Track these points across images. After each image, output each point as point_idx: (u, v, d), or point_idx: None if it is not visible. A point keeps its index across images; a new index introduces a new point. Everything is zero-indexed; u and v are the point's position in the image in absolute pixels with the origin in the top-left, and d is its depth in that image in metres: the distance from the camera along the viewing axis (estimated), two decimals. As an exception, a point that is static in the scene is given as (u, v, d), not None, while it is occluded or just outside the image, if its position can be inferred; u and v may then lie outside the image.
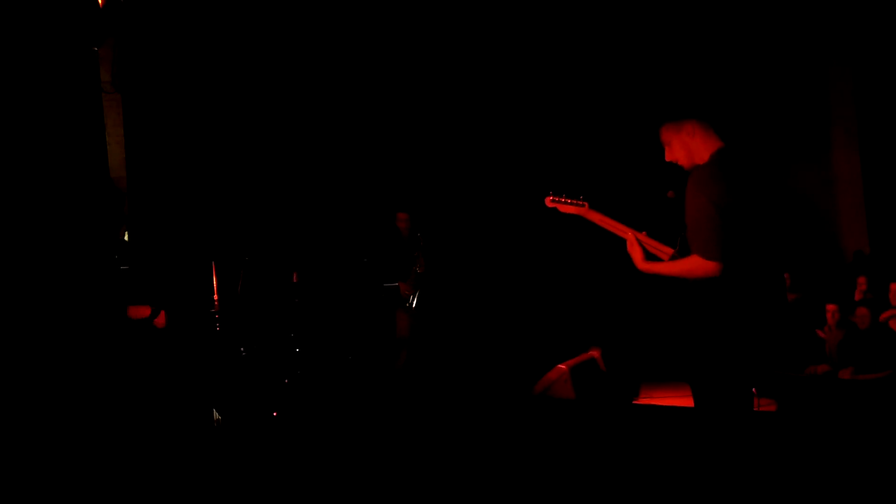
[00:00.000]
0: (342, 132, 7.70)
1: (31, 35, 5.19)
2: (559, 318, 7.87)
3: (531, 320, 7.83)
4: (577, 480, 4.04)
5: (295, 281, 6.09)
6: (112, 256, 4.29)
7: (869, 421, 5.36)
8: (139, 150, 6.41)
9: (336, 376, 6.55)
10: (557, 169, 7.99)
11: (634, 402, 6.70)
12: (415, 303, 6.69)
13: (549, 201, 3.67)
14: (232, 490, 4.03)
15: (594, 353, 6.78)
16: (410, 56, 7.76)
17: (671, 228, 3.27)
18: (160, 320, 4.35)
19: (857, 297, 7.18)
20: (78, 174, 5.30)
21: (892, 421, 5.33)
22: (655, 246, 3.41)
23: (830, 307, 6.70)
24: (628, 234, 3.35)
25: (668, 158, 3.29)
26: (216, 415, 5.28)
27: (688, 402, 3.49)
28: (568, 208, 3.60)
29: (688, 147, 3.20)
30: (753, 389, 3.29)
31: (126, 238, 5.23)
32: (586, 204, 3.57)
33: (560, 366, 6.25)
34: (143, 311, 4.27)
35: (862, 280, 7.30)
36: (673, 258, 3.26)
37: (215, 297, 5.53)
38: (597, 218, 3.53)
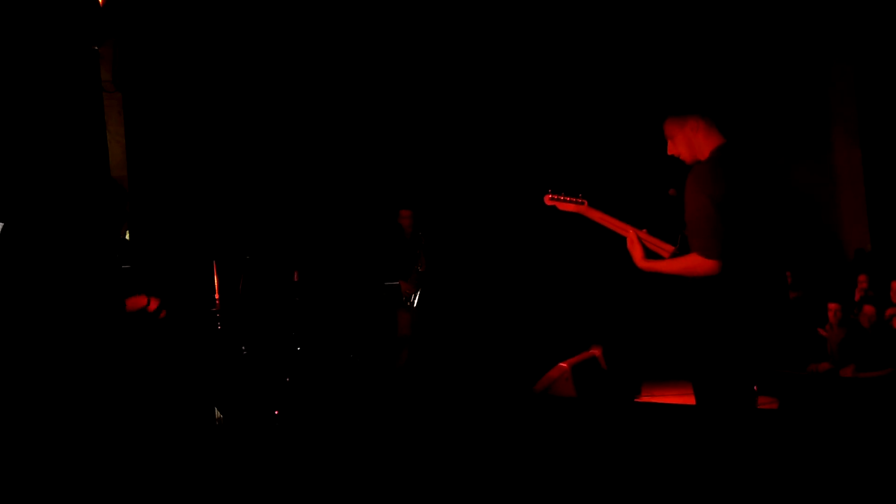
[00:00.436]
0: (343, 130, 7.70)
1: (32, 34, 5.19)
2: (560, 316, 7.87)
3: (532, 318, 7.83)
4: (578, 478, 4.04)
5: (296, 280, 6.09)
6: (113, 256, 4.28)
7: (870, 419, 5.36)
8: (140, 149, 6.42)
9: (337, 375, 6.55)
10: (557, 166, 7.99)
11: (636, 400, 6.70)
12: (416, 301, 6.69)
13: (548, 199, 3.67)
14: (233, 489, 4.03)
15: (595, 351, 6.78)
16: (411, 54, 7.75)
17: (672, 225, 3.27)
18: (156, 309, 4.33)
19: (858, 295, 7.18)
20: (78, 173, 5.31)
21: (894, 419, 5.32)
22: (656, 243, 3.40)
23: (832, 305, 6.70)
24: (629, 232, 3.34)
25: (670, 152, 3.28)
26: (218, 413, 5.28)
27: (689, 400, 3.49)
28: (567, 206, 3.60)
29: (690, 142, 3.19)
30: (755, 387, 3.28)
31: (127, 237, 5.23)
32: (585, 202, 3.57)
33: (561, 364, 6.25)
34: (139, 302, 4.25)
35: (863, 278, 7.30)
36: (673, 256, 3.25)
37: (216, 295, 5.53)
38: (596, 216, 3.53)
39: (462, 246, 7.85)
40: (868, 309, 6.47)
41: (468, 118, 8.11)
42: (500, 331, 7.65)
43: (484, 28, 7.76)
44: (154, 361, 4.41)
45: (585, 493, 3.87)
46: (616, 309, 7.85)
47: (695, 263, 3.02)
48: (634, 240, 3.30)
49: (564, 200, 3.60)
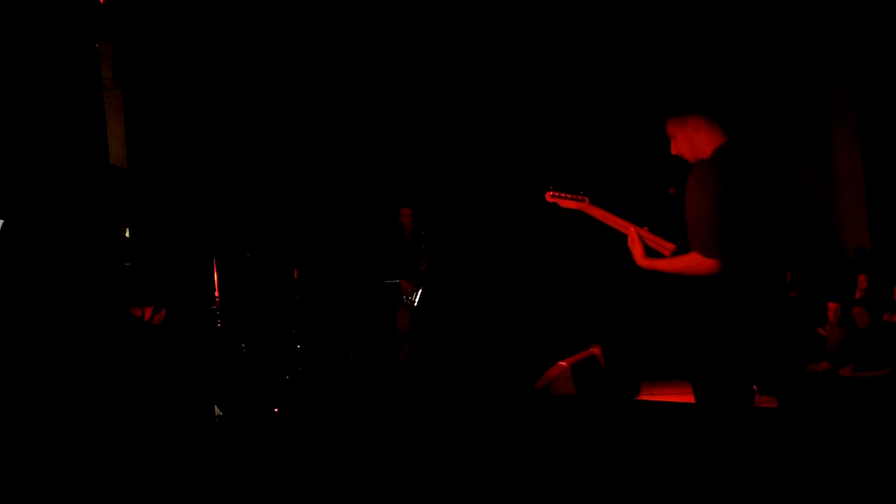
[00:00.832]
0: (344, 129, 7.70)
1: (33, 32, 5.19)
2: (560, 314, 7.87)
3: (532, 317, 7.83)
4: (578, 477, 4.05)
5: (296, 277, 6.09)
6: (114, 253, 4.29)
7: (869, 418, 5.36)
8: (140, 146, 6.42)
9: (337, 373, 6.56)
10: (558, 164, 7.99)
11: (635, 398, 6.71)
12: (417, 300, 6.69)
13: (549, 196, 3.66)
14: (233, 487, 4.03)
15: (595, 350, 6.79)
16: (412, 52, 7.75)
17: (673, 223, 3.27)
18: (158, 316, 4.35)
19: (858, 294, 7.18)
20: (79, 171, 5.30)
21: (892, 418, 5.33)
22: (657, 241, 3.40)
23: (832, 305, 6.70)
24: (630, 230, 3.34)
25: (673, 152, 3.28)
26: (217, 411, 5.28)
27: (688, 398, 3.49)
28: (568, 203, 3.60)
29: (692, 141, 3.19)
30: (754, 387, 3.28)
31: (127, 235, 5.23)
32: (587, 199, 3.57)
33: (561, 363, 6.26)
34: (146, 311, 4.27)
35: (863, 278, 7.29)
36: (674, 254, 3.25)
37: (216, 293, 5.53)
38: (598, 213, 3.53)
39: (462, 244, 7.85)
40: (856, 310, 6.46)
41: (469, 116, 8.11)
42: (500, 329, 7.65)
43: (485, 26, 7.76)
44: (154, 359, 4.41)
45: (585, 491, 3.87)
46: (616, 308, 7.85)
47: (695, 262, 3.02)
48: (635, 238, 3.29)
49: (565, 197, 3.60)
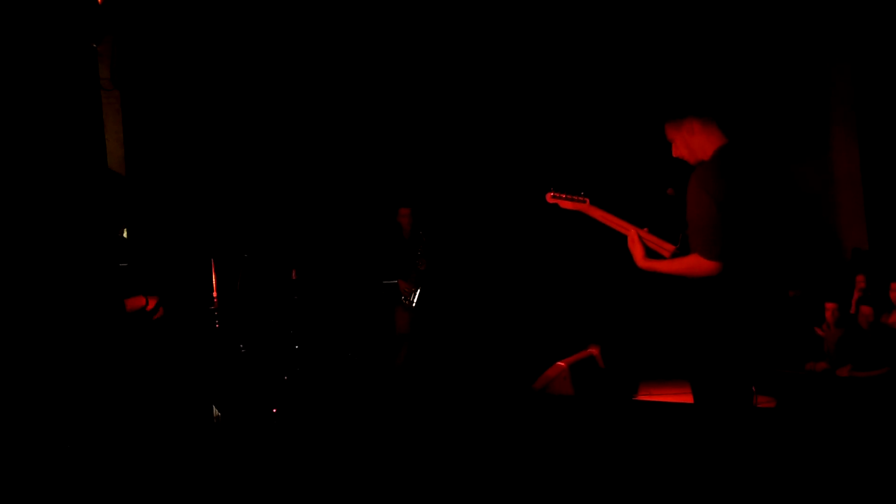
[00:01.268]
0: (342, 129, 7.69)
1: (30, 32, 5.18)
2: (558, 315, 7.88)
3: (531, 317, 7.83)
4: (576, 476, 4.05)
5: (294, 278, 6.09)
6: (111, 254, 4.28)
7: (866, 418, 5.37)
8: (138, 147, 6.41)
9: (335, 373, 6.55)
10: (558, 165, 7.99)
11: (633, 398, 6.71)
12: (415, 300, 6.68)
13: (549, 197, 3.66)
14: (231, 487, 4.03)
15: (593, 350, 6.80)
16: (411, 52, 7.75)
17: (673, 224, 3.27)
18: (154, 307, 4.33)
19: (856, 295, 7.19)
20: (76, 172, 5.29)
21: (889, 418, 5.34)
22: (657, 242, 3.40)
23: (830, 305, 6.72)
24: (630, 231, 3.34)
25: (675, 154, 3.28)
26: (216, 412, 5.28)
27: (687, 399, 3.49)
28: (569, 204, 3.60)
29: (689, 145, 3.19)
30: (752, 387, 3.29)
31: (125, 235, 5.22)
32: (587, 200, 3.57)
33: (559, 363, 6.26)
34: (137, 302, 4.25)
35: (861, 278, 7.31)
36: (675, 255, 3.25)
37: (214, 293, 5.52)
38: (598, 214, 3.53)
39: (461, 244, 7.85)
40: (865, 309, 6.48)
41: (469, 116, 8.11)
42: (499, 329, 7.65)
43: (484, 26, 7.75)
44: (152, 360, 4.40)
45: (584, 491, 3.88)
46: (614, 308, 7.86)
47: (695, 263, 3.02)
48: (635, 239, 3.29)
49: (566, 198, 3.60)
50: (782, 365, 6.44)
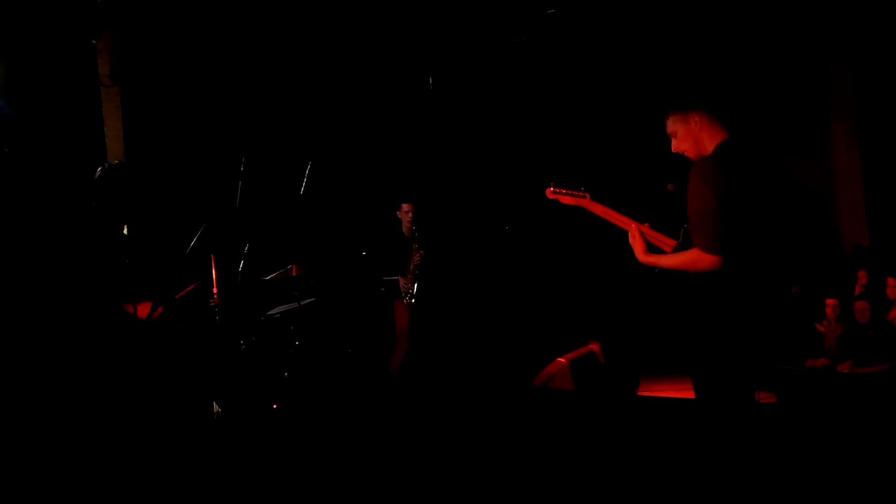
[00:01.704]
0: (343, 124, 7.69)
1: (30, 28, 5.18)
2: (559, 311, 7.87)
3: (531, 313, 7.83)
4: (577, 472, 4.05)
5: (294, 274, 6.08)
6: (111, 250, 4.27)
7: (867, 414, 5.37)
8: (138, 143, 6.40)
9: (336, 370, 6.55)
10: (559, 160, 7.99)
11: (634, 394, 6.71)
12: (414, 292, 6.67)
13: (549, 192, 3.66)
14: (232, 483, 4.03)
15: (594, 346, 6.79)
16: (411, 48, 7.74)
17: (674, 219, 3.26)
18: (157, 314, 4.34)
19: (858, 291, 7.19)
20: (75, 168, 5.30)
21: (890, 414, 5.34)
22: (658, 237, 3.40)
23: (830, 301, 6.72)
24: (631, 226, 3.34)
25: (674, 149, 3.28)
26: (216, 408, 5.27)
27: (687, 394, 3.49)
28: (569, 199, 3.59)
29: (694, 138, 3.19)
30: (753, 383, 3.29)
31: (125, 232, 5.21)
32: (587, 195, 3.56)
33: (560, 359, 6.26)
34: (146, 309, 4.26)
35: (862, 274, 7.31)
36: (676, 250, 3.25)
37: (214, 290, 5.52)
38: (598, 209, 3.52)
39: (462, 240, 7.84)
40: (861, 305, 6.48)
41: (470, 112, 8.10)
42: (499, 325, 7.65)
43: (484, 24, 7.74)
44: (152, 356, 4.40)
45: (585, 487, 3.88)
46: (615, 304, 7.85)
47: (696, 258, 3.02)
48: (636, 234, 3.29)
49: (566, 194, 3.59)
50: (783, 361, 6.44)
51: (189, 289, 4.45)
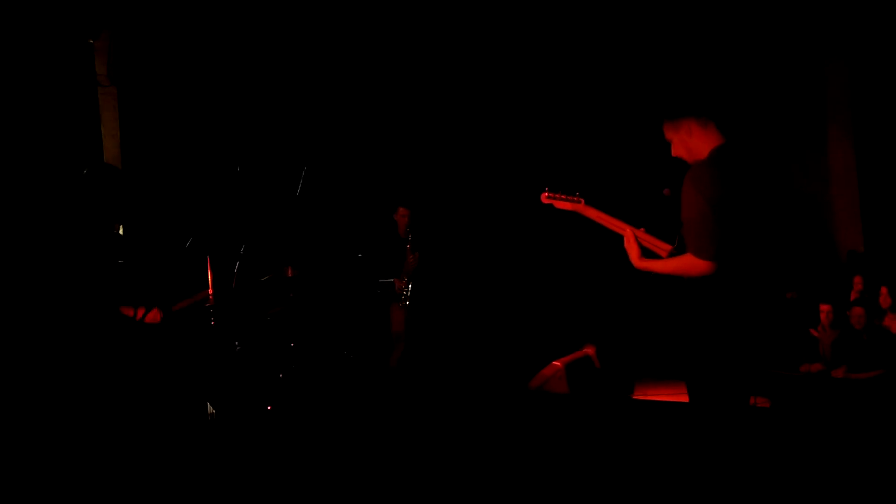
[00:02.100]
0: (339, 126, 7.68)
1: (27, 27, 5.17)
2: (554, 314, 7.88)
3: (527, 317, 7.83)
4: (572, 475, 4.05)
5: (290, 275, 6.07)
6: (107, 250, 4.27)
7: (861, 419, 5.38)
8: (135, 143, 6.40)
9: (331, 371, 6.54)
10: (554, 165, 7.99)
11: (629, 398, 6.71)
12: (409, 294, 6.67)
13: (544, 197, 3.65)
14: (227, 485, 4.02)
15: (589, 350, 6.79)
16: (409, 52, 7.74)
17: (670, 224, 3.26)
18: (151, 317, 4.34)
19: (853, 296, 7.20)
20: (72, 168, 5.28)
21: (884, 419, 5.35)
22: (653, 242, 3.39)
23: (824, 307, 6.73)
24: (626, 231, 3.33)
25: (673, 154, 3.28)
26: (210, 409, 5.27)
27: (682, 398, 3.49)
28: (564, 204, 3.59)
29: (687, 145, 3.19)
30: (747, 387, 3.29)
31: (121, 232, 5.21)
32: (582, 200, 3.56)
33: (555, 362, 6.26)
34: (157, 316, 4.27)
35: (858, 280, 7.33)
36: (671, 255, 3.25)
37: (210, 291, 5.51)
38: (593, 214, 3.52)
39: (457, 243, 7.84)
40: (856, 311, 6.49)
41: (466, 116, 8.10)
42: (495, 329, 7.65)
43: (482, 26, 7.75)
44: (147, 357, 4.39)
45: (579, 490, 3.88)
46: (610, 308, 7.86)
47: (690, 264, 3.02)
48: (631, 239, 3.29)
49: (561, 199, 3.59)
50: (777, 366, 6.45)
51: (198, 297, 4.45)
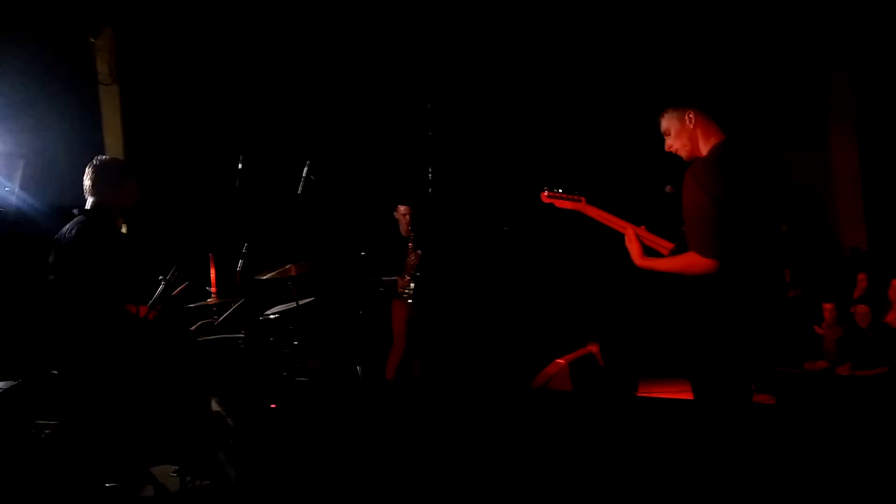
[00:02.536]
0: (342, 124, 7.69)
1: (29, 26, 5.17)
2: (558, 312, 7.87)
3: (530, 315, 7.83)
4: (576, 473, 4.04)
5: (293, 273, 6.07)
6: (111, 248, 4.27)
7: (866, 417, 5.37)
8: (137, 141, 6.41)
9: (335, 370, 6.54)
10: (555, 163, 7.98)
11: (633, 395, 6.70)
12: (411, 294, 6.66)
13: (545, 196, 3.64)
14: (230, 483, 4.02)
15: (592, 347, 6.78)
16: (409, 50, 7.74)
17: (672, 222, 3.25)
18: (155, 314, 4.35)
19: (857, 293, 7.18)
20: (74, 166, 5.28)
21: (889, 416, 5.33)
22: (655, 241, 3.38)
23: (827, 305, 6.72)
24: (627, 229, 3.32)
25: (667, 148, 3.26)
26: (215, 407, 5.27)
27: (685, 395, 3.48)
28: (564, 203, 3.58)
29: (688, 136, 3.16)
30: (752, 385, 3.28)
31: (124, 230, 5.21)
32: (583, 199, 3.55)
33: (558, 360, 6.25)
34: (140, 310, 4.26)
35: (862, 277, 7.31)
36: (673, 253, 3.23)
37: (213, 289, 5.51)
38: (594, 213, 3.51)
39: (460, 242, 7.84)
40: (862, 308, 6.48)
41: (466, 115, 8.09)
42: (498, 327, 7.64)
43: (482, 25, 7.74)
44: (150, 355, 4.40)
45: (583, 487, 3.87)
46: (614, 306, 7.85)
47: (692, 262, 3.00)
48: (632, 237, 3.28)
49: (561, 197, 3.58)
50: (782, 363, 6.44)
51: (179, 289, 4.45)
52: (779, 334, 3.15)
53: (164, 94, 6.59)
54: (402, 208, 6.78)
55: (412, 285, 6.64)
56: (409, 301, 6.65)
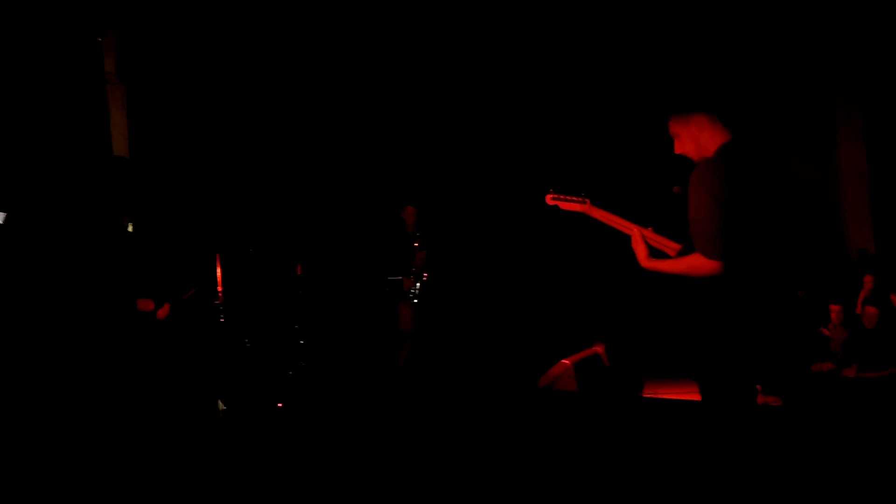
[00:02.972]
0: (347, 124, 7.69)
1: (36, 25, 5.18)
2: (563, 313, 7.86)
3: (535, 316, 7.82)
4: (581, 474, 4.04)
5: (299, 273, 6.09)
6: (117, 247, 4.28)
7: (872, 418, 5.35)
8: (143, 141, 6.42)
9: (340, 369, 6.55)
10: (560, 165, 7.97)
11: (638, 396, 6.69)
12: (417, 292, 6.66)
13: (549, 199, 3.62)
14: (236, 482, 4.03)
15: (598, 348, 6.77)
16: (415, 50, 7.73)
17: (679, 223, 3.24)
18: (162, 312, 4.36)
19: (864, 295, 7.16)
20: (82, 165, 5.30)
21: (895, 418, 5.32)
22: (662, 242, 3.37)
23: (834, 307, 6.70)
24: (633, 231, 3.31)
25: (677, 151, 3.24)
26: (221, 406, 5.29)
27: (691, 396, 3.47)
28: (569, 206, 3.56)
29: (696, 140, 3.15)
30: (758, 387, 3.27)
31: (130, 230, 5.23)
32: (588, 200, 3.53)
33: (564, 361, 6.24)
34: (146, 305, 4.27)
35: (869, 279, 7.28)
36: (680, 254, 3.22)
37: (219, 288, 5.53)
38: (599, 214, 3.49)
39: (466, 244, 7.84)
40: (870, 310, 6.46)
41: (472, 116, 8.09)
42: (504, 327, 7.64)
43: (487, 26, 7.73)
44: (157, 354, 4.41)
45: (589, 488, 3.87)
46: (619, 307, 7.83)
47: (698, 264, 2.99)
48: (638, 238, 3.26)
49: (566, 200, 3.56)
50: (788, 365, 6.42)
51: (189, 293, 4.47)
52: (785, 336, 3.14)
53: (170, 93, 6.60)
54: (409, 208, 6.80)
55: (418, 285, 6.65)
56: (415, 301, 6.66)
